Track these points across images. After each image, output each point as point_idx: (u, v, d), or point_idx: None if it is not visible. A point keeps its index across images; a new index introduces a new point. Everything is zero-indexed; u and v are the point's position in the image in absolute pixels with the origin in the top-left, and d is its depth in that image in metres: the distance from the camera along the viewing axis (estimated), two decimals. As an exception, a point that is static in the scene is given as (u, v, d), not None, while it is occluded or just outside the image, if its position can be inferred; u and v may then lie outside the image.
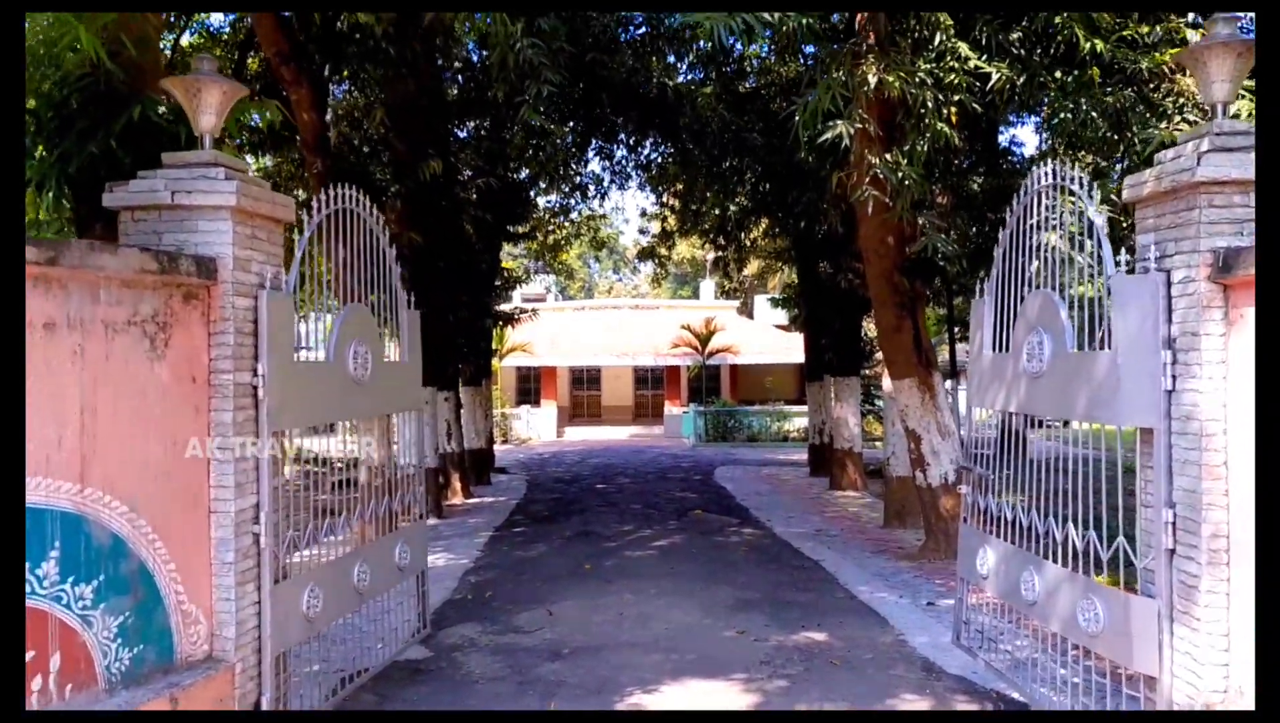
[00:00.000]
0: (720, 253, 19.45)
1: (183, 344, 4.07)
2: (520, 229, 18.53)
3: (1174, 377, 3.86)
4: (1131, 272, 4.13)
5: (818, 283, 16.17)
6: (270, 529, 4.31)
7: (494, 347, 23.64)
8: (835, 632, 6.99)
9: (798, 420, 27.42)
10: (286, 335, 4.49)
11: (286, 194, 5.50)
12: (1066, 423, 6.16)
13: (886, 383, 12.01)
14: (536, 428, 30.33)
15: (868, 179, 7.40)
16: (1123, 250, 4.18)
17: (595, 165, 17.64)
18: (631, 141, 17.31)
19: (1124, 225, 7.40)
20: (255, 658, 4.29)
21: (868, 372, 20.48)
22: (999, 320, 5.41)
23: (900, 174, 7.14)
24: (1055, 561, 4.57)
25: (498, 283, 18.90)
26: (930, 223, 7.68)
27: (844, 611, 7.68)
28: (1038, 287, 4.95)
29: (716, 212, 17.42)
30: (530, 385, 33.91)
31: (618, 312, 36.54)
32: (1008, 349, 5.22)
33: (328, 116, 11.81)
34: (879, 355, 19.68)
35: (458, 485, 15.30)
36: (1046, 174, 4.83)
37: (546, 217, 20.86)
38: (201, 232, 4.16)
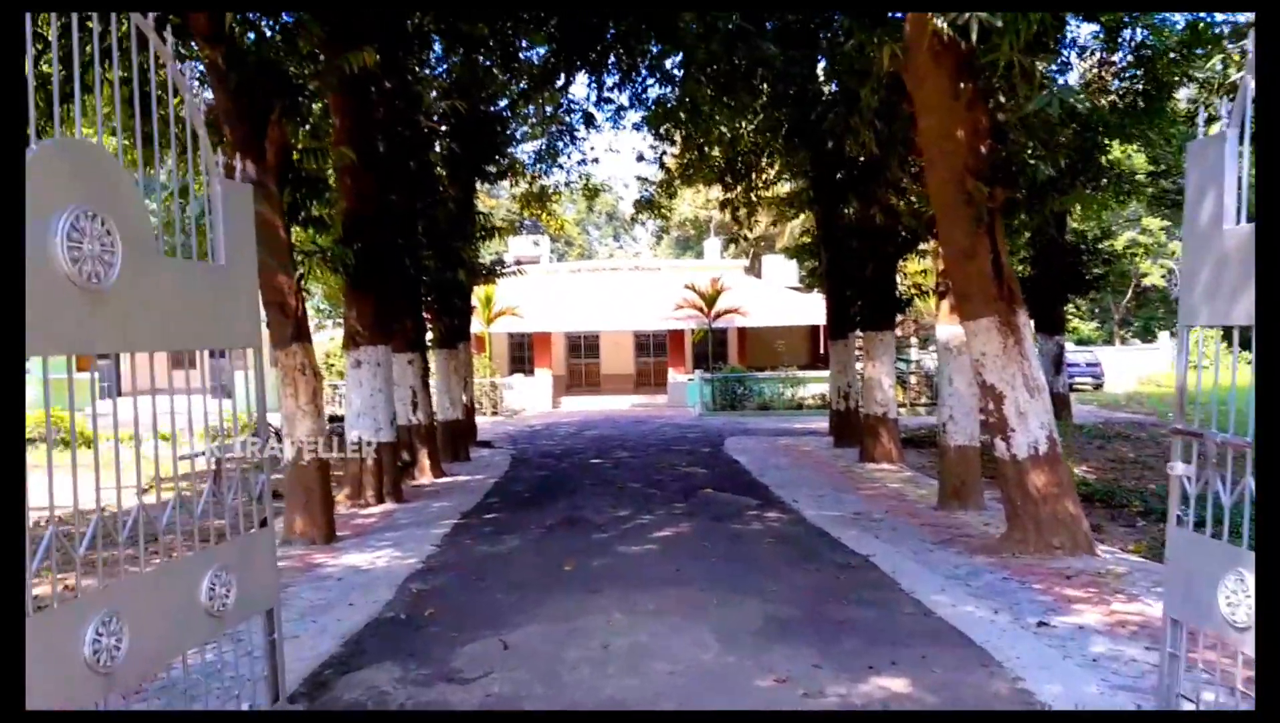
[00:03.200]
0: (729, 195, 17.02)
1: None
2: (495, 168, 16.07)
3: None
4: None
5: (842, 227, 13.97)
6: None
7: (476, 306, 21.28)
8: (920, 675, 4.73)
9: (813, 386, 25.12)
10: None
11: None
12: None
13: (943, 330, 9.65)
14: (530, 398, 28.01)
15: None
16: None
17: (583, 97, 15.30)
18: (624, 65, 14.88)
19: None
20: None
21: (900, 330, 18.12)
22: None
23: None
24: None
25: (479, 233, 16.43)
26: (1047, 74, 5.26)
27: (922, 635, 5.42)
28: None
29: (724, 141, 15.03)
30: (524, 353, 31.63)
31: (617, 273, 34.06)
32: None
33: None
34: (913, 306, 17.24)
35: (426, 463, 13.14)
36: None
37: (534, 161, 18.50)
38: None
